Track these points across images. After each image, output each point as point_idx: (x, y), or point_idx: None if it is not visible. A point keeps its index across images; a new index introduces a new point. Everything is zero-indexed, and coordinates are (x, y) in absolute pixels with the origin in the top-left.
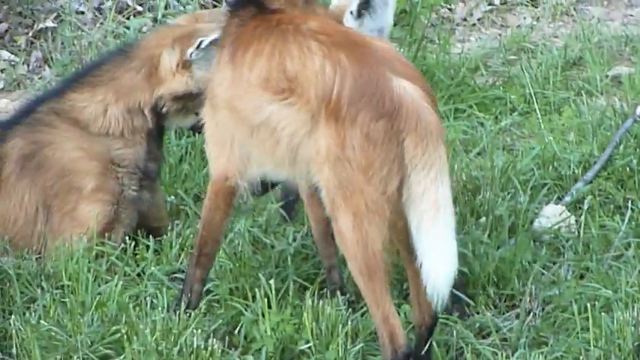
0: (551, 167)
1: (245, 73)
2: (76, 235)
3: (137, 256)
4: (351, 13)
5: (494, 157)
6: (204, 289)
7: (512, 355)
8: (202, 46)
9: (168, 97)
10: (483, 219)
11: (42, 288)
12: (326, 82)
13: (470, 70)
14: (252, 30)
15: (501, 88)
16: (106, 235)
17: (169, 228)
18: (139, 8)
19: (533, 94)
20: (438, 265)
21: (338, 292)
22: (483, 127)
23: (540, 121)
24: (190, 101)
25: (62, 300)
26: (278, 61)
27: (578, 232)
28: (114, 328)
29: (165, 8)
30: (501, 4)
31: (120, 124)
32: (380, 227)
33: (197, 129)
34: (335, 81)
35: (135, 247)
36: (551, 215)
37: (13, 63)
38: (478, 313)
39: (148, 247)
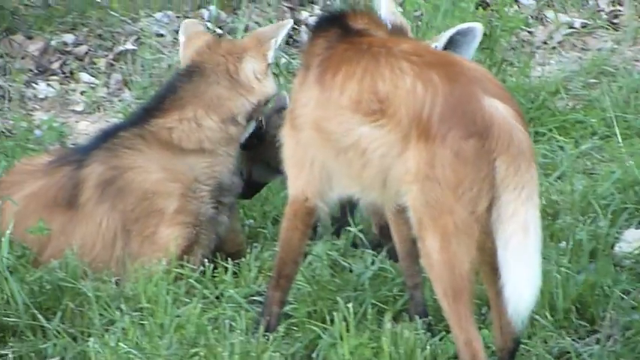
0: (631, 191)
1: (335, 95)
2: (156, 259)
3: (216, 279)
4: (435, 47)
5: (575, 181)
6: (283, 312)
7: None
8: (276, 46)
9: (264, 101)
10: (563, 243)
11: (121, 310)
12: (417, 101)
13: (550, 94)
14: (342, 52)
15: (581, 111)
16: (185, 257)
17: (247, 251)
18: (219, 31)
19: (613, 118)
20: (522, 286)
21: (417, 316)
22: (563, 150)
23: (621, 144)
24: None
25: (141, 322)
26: (369, 83)
27: None
28: (192, 350)
29: (245, 31)
30: (582, 27)
31: (217, 135)
32: (468, 248)
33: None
34: (426, 99)
35: (213, 269)
36: (632, 240)
37: (92, 85)
38: (558, 338)
39: (226, 269)
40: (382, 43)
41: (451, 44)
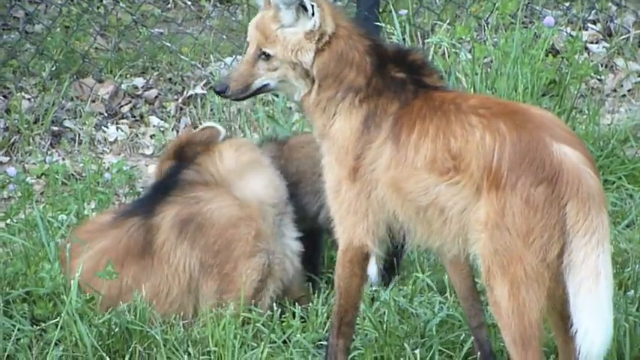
0: None
1: (410, 154)
2: (232, 295)
3: (283, 324)
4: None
5: None
6: (349, 358)
7: None
8: None
9: None
10: (632, 292)
11: (189, 354)
12: (486, 152)
13: (619, 142)
14: (417, 110)
15: None
16: (257, 295)
17: (313, 296)
18: None
19: None
20: (594, 333)
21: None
22: (632, 198)
23: None
24: None
25: None
26: (443, 142)
27: None
28: None
29: None
30: None
31: None
32: (538, 295)
33: None
34: (495, 149)
35: (281, 314)
36: None
37: (162, 129)
38: None
39: (294, 314)
40: (452, 99)
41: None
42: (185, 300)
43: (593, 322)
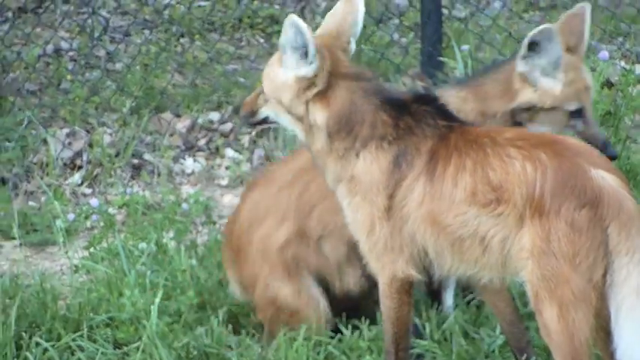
0: None
1: (448, 188)
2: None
3: (353, 345)
4: (523, 57)
5: None
6: None
7: None
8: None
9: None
10: None
11: None
12: (529, 181)
13: None
14: (454, 144)
15: None
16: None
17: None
18: None
19: None
20: (633, 349)
21: None
22: None
23: None
24: None
25: None
26: (482, 175)
27: None
28: None
29: None
30: None
31: None
32: (586, 316)
33: None
34: (536, 178)
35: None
36: None
37: (237, 161)
38: None
39: (361, 334)
40: (486, 133)
41: (533, 51)
42: None
43: (632, 337)
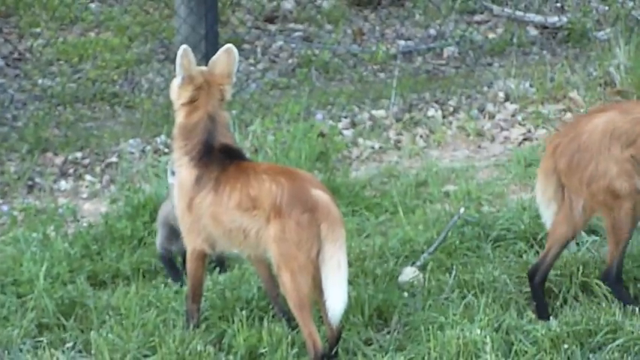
0: (408, 245)
1: (224, 199)
2: None
3: None
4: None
5: (375, 239)
6: None
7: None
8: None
9: None
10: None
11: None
12: (273, 195)
13: (361, 187)
14: (232, 173)
15: (379, 197)
16: None
17: None
18: None
19: (398, 202)
20: (336, 300)
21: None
22: (369, 220)
23: (402, 217)
24: None
25: None
26: (245, 191)
27: (424, 283)
28: None
29: None
30: None
31: None
32: (307, 279)
33: None
34: (278, 193)
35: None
36: (408, 273)
37: (92, 182)
38: (365, 331)
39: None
40: (252, 166)
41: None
42: None
43: (336, 293)
